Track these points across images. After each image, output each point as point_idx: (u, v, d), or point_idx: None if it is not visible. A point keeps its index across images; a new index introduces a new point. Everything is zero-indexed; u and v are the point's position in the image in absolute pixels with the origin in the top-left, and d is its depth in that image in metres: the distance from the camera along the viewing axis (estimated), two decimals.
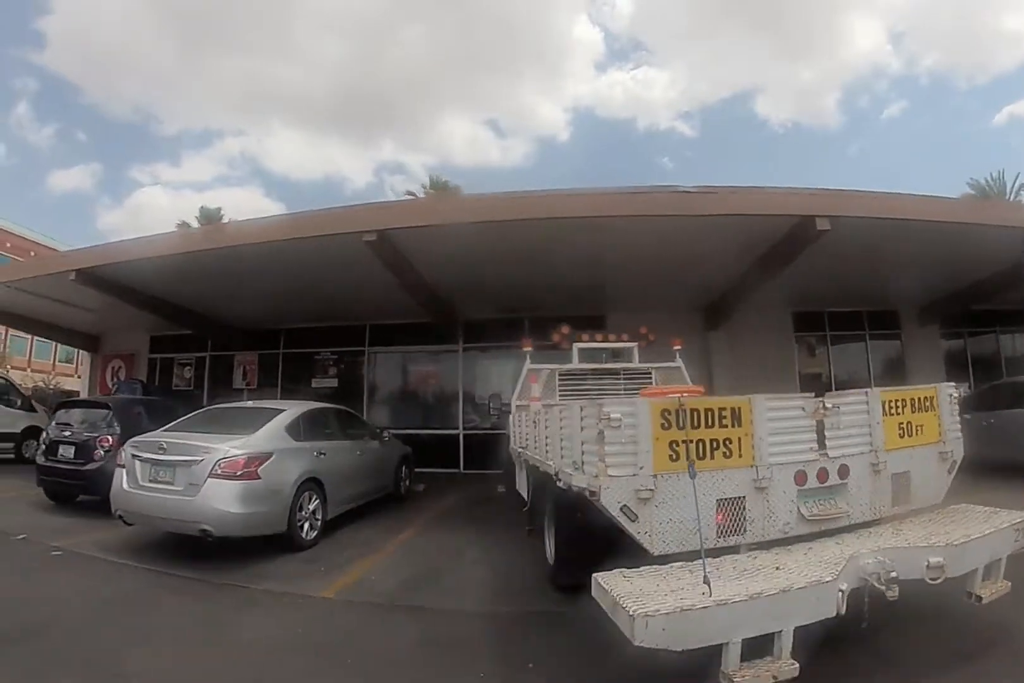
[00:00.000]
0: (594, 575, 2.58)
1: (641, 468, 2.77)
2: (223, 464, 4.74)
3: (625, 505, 2.78)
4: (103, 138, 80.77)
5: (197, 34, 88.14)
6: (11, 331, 28.06)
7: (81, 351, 15.76)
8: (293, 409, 5.87)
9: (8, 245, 29.36)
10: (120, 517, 5.14)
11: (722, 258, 8.99)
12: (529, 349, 7.08)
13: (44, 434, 7.20)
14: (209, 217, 28.39)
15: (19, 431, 11.13)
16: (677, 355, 7.23)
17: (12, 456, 11.04)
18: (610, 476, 2.77)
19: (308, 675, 3.01)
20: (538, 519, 4.89)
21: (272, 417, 5.54)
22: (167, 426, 5.66)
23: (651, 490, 2.78)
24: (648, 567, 2.69)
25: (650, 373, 7.13)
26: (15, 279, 10.30)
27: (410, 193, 25.82)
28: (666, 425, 2.80)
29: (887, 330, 12.42)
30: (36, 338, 29.24)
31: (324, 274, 8.86)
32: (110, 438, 6.46)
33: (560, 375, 6.89)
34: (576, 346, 7.07)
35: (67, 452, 6.60)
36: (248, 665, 3.08)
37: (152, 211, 66.19)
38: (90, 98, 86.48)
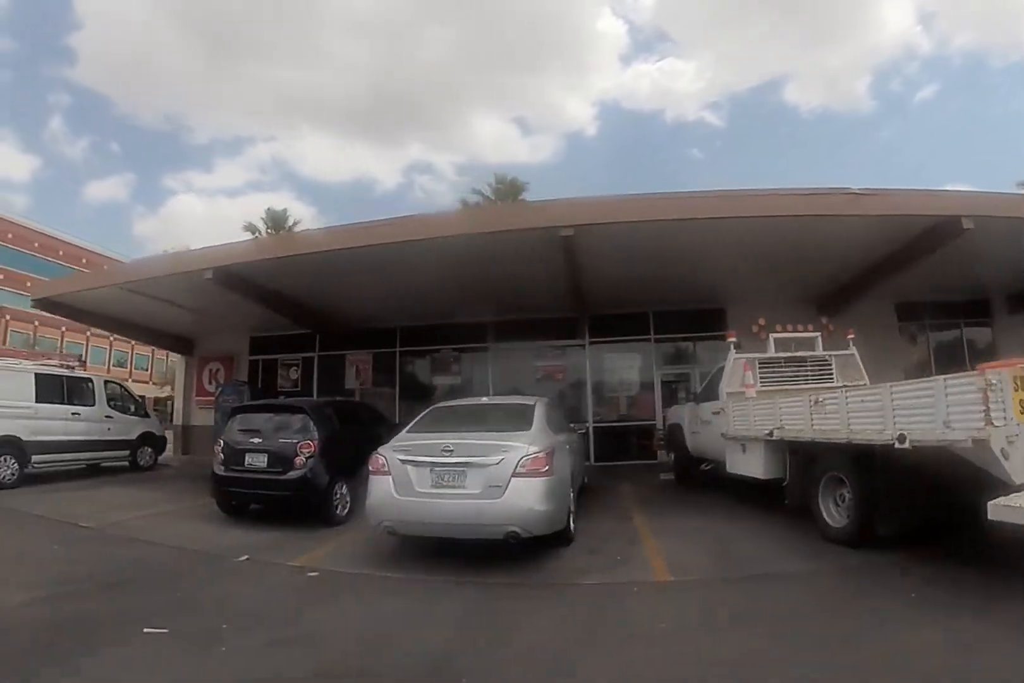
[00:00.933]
0: (995, 501, 3.30)
1: (1007, 419, 3.46)
2: (526, 462, 4.44)
3: (1002, 448, 3.43)
4: (136, 148, 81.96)
5: (224, 42, 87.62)
6: (67, 336, 28.01)
7: (173, 355, 15.64)
8: (538, 403, 5.64)
9: (60, 253, 29.10)
10: (387, 528, 4.70)
11: (846, 253, 9.15)
12: (734, 340, 7.26)
13: (220, 443, 6.33)
14: (275, 219, 28.28)
15: (135, 438, 10.85)
16: (851, 343, 7.37)
17: (127, 464, 10.78)
18: (994, 426, 3.42)
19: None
20: (807, 491, 5.22)
21: (530, 412, 5.35)
22: (410, 428, 5.33)
23: (1016, 435, 3.45)
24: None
25: (829, 361, 7.26)
26: (141, 278, 10.00)
27: (476, 192, 26.11)
28: (1017, 387, 3.49)
29: (980, 318, 12.58)
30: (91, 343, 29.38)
31: (493, 269, 8.74)
32: (311, 444, 5.98)
33: (760, 363, 7.02)
34: (772, 336, 7.32)
35: (257, 461, 6.00)
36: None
37: (186, 218, 67.38)
38: (122, 109, 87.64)
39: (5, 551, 5.13)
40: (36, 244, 28.46)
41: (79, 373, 10.47)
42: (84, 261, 28.60)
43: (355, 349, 12.50)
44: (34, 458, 8.85)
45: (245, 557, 4.89)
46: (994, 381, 3.51)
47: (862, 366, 7.21)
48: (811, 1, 75.09)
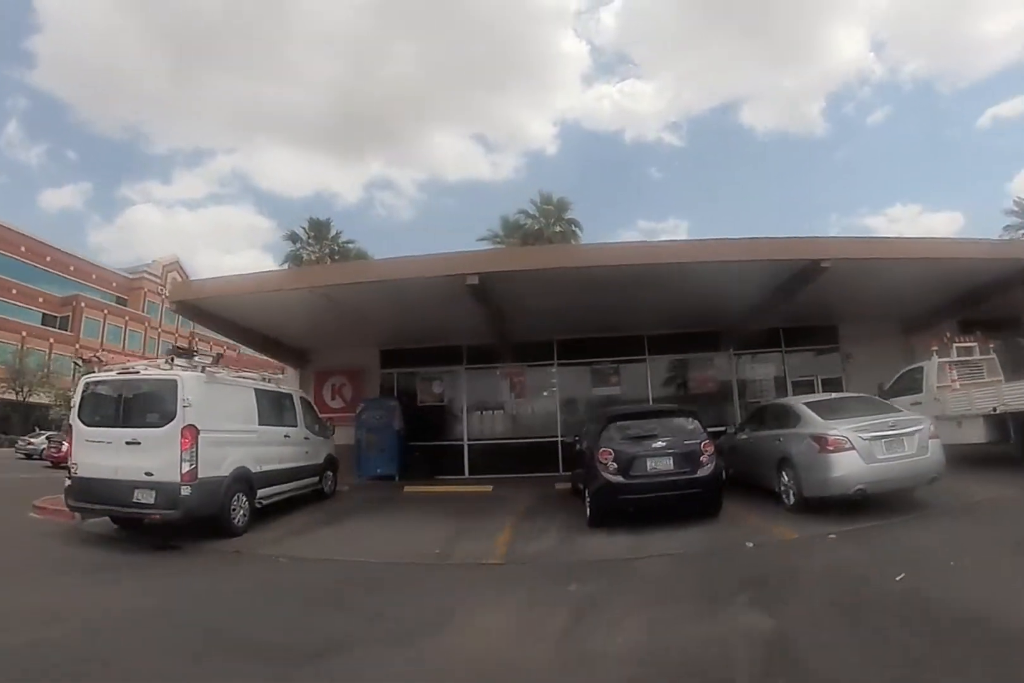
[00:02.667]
0: None
1: None
2: (931, 429, 6.25)
3: None
4: (93, 157, 73.43)
5: (189, 54, 79.46)
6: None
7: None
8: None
9: (48, 259, 25.15)
10: (860, 491, 5.88)
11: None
12: (936, 348, 9.23)
13: (608, 452, 6.26)
14: (318, 227, 26.86)
15: (323, 461, 9.28)
16: (991, 349, 9.42)
17: (310, 492, 8.85)
18: None
19: None
20: None
21: (875, 401, 7.55)
22: (825, 417, 6.52)
23: None
24: None
25: (982, 363, 9.30)
26: (389, 278, 9.00)
27: (522, 212, 27.19)
28: None
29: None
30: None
31: (686, 289, 9.57)
32: (711, 443, 6.48)
33: (950, 364, 9.18)
34: (955, 345, 9.45)
35: (661, 464, 6.23)
36: None
37: (144, 228, 61.78)
38: (80, 116, 77.86)
39: None
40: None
41: (282, 387, 9.26)
42: (72, 268, 24.97)
43: (504, 362, 12.59)
44: (259, 493, 7.13)
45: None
46: None
47: (999, 367, 9.31)
48: (769, 26, 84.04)
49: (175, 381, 6.22)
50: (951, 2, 75.47)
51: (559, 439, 12.17)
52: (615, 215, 79.25)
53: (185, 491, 5.92)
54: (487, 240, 28.56)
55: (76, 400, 6.65)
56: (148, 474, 5.94)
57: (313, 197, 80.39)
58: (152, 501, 5.91)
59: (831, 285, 9.41)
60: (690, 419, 6.85)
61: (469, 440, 12.77)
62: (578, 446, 8.16)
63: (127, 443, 6.09)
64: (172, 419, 6.10)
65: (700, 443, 6.45)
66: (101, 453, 6.18)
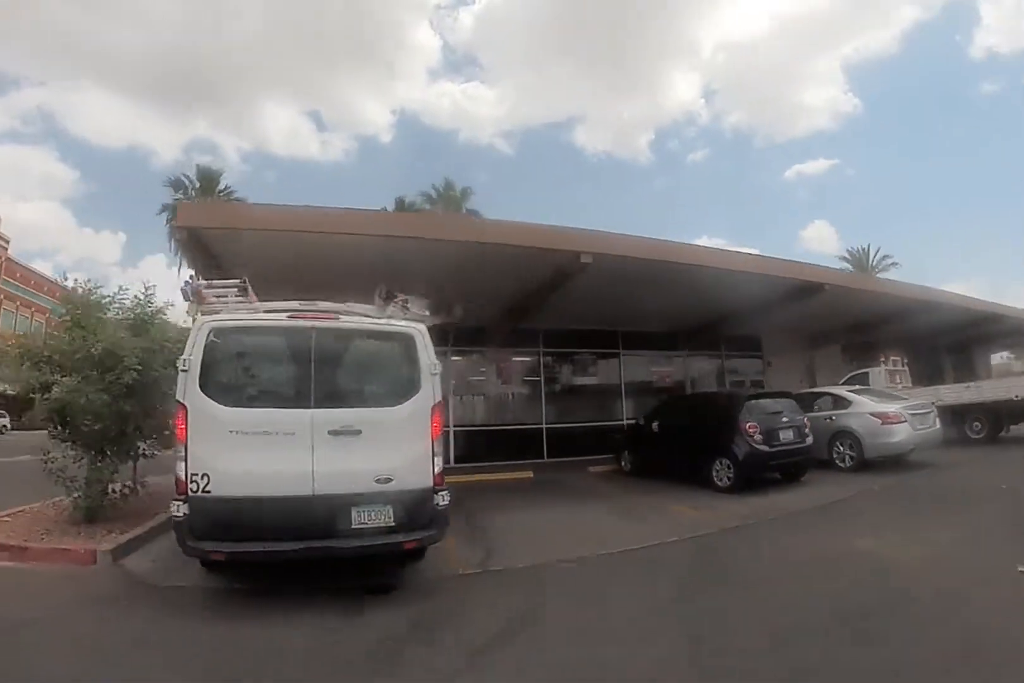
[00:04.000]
0: None
1: None
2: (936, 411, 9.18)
3: None
4: None
5: None
6: None
7: None
8: None
9: None
10: (911, 450, 8.30)
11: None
12: (883, 359, 11.93)
13: (753, 425, 7.13)
14: (208, 177, 22.28)
15: None
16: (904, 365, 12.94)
17: None
18: None
19: None
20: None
21: (886, 391, 10.13)
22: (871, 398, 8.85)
23: None
24: None
25: (899, 373, 12.77)
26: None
27: (424, 195, 24.47)
28: None
29: None
30: None
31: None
32: (806, 419, 7.88)
33: (889, 371, 12.10)
34: (890, 360, 12.29)
35: (786, 436, 7.41)
36: None
37: None
38: None
39: None
40: None
41: None
42: None
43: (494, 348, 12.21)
44: None
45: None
46: None
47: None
48: (616, 57, 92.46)
49: (412, 336, 4.08)
50: (780, 70, 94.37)
51: (543, 426, 12.42)
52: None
53: (442, 501, 3.91)
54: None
55: (193, 361, 3.68)
56: (381, 480, 3.75)
57: (126, 151, 65.45)
58: (391, 522, 3.70)
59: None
60: (791, 400, 8.18)
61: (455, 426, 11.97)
62: (649, 428, 8.82)
63: (331, 433, 3.72)
64: (414, 393, 3.99)
65: (803, 418, 7.89)
66: (266, 453, 3.64)
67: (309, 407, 3.72)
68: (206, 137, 71.62)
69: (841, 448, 8.41)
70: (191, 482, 3.50)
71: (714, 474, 7.32)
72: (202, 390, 3.60)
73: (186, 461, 3.53)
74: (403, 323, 4.17)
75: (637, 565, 4.47)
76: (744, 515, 5.92)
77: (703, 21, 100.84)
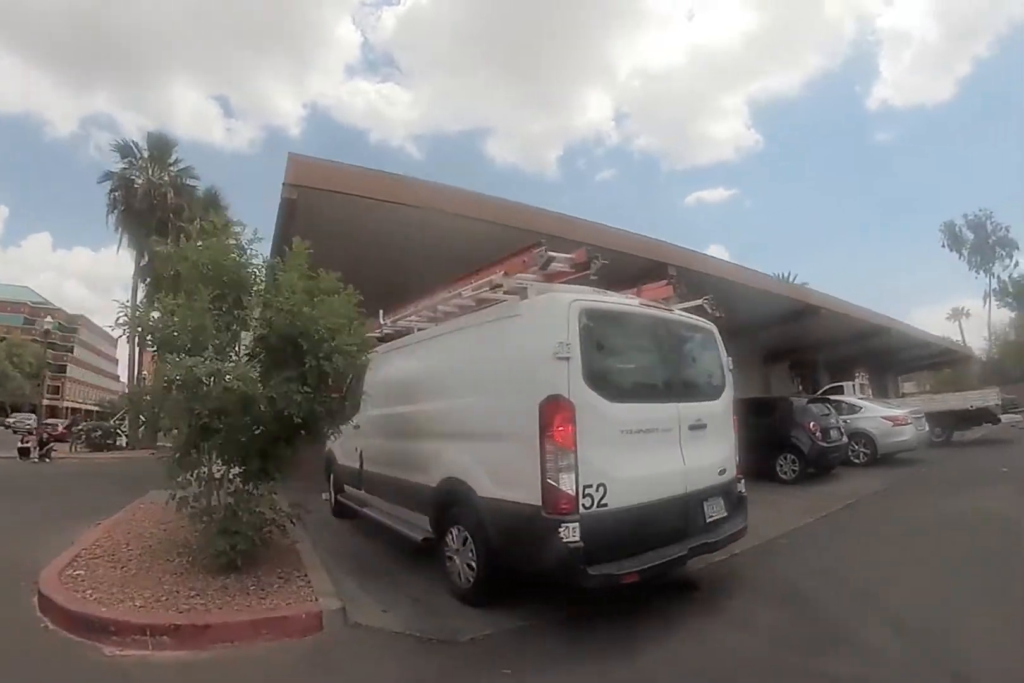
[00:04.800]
0: None
1: None
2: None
3: None
4: None
5: None
6: None
7: None
8: None
9: None
10: (913, 448, 9.92)
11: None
12: (858, 373, 13.49)
13: (812, 424, 8.00)
14: (160, 146, 20.02)
15: None
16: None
17: None
18: None
19: None
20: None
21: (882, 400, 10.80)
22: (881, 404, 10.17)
23: None
24: None
25: (865, 387, 14.69)
26: None
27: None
28: None
29: None
30: None
31: None
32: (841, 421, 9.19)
33: (861, 385, 13.69)
34: (860, 374, 14.08)
35: (837, 433, 8.59)
36: None
37: None
38: None
39: None
40: None
41: None
42: None
43: None
44: None
45: None
46: None
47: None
48: (533, 70, 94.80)
49: (713, 331, 4.08)
50: (690, 101, 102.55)
51: None
52: None
53: (743, 488, 3.97)
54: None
55: (572, 347, 3.00)
56: (721, 472, 3.71)
57: (20, 117, 56.55)
58: (724, 512, 3.65)
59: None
60: (830, 405, 9.54)
61: None
62: None
63: (690, 428, 3.47)
64: (724, 386, 4.00)
65: (839, 420, 9.12)
66: (650, 453, 3.26)
67: (674, 401, 3.44)
68: (105, 112, 63.87)
69: (856, 446, 9.61)
70: (584, 496, 2.86)
71: (779, 468, 8.08)
72: (585, 382, 2.99)
73: (577, 470, 2.85)
74: (701, 319, 4.07)
75: (822, 539, 4.97)
76: (833, 498, 6.64)
77: (622, 46, 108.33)
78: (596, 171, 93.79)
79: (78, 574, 3.68)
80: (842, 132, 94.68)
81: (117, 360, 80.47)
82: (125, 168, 18.71)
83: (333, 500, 6.00)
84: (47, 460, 14.11)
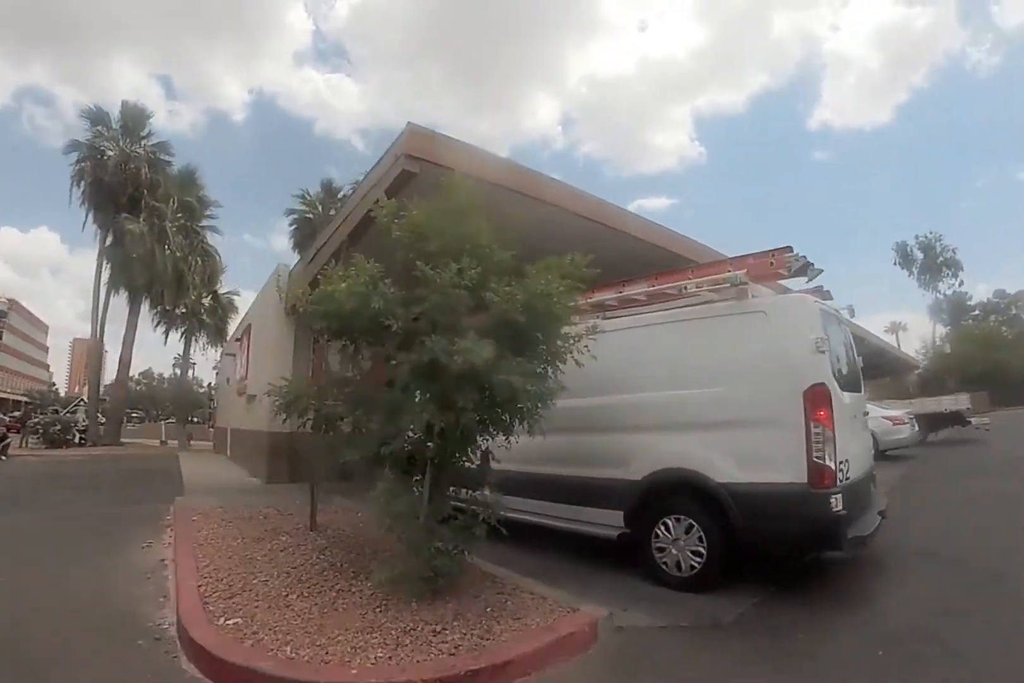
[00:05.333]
0: None
1: None
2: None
3: None
4: None
5: None
6: None
7: None
8: None
9: None
10: (910, 445, 10.63)
11: None
12: None
13: None
14: (134, 116, 18.55)
15: None
16: None
17: None
18: None
19: None
20: None
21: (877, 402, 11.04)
22: (883, 406, 10.55)
23: None
24: None
25: None
26: None
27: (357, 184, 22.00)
28: None
29: None
30: None
31: None
32: None
33: None
34: None
35: None
36: None
37: None
38: None
39: None
40: None
41: None
42: None
43: None
44: None
45: None
46: None
47: None
48: (484, 70, 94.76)
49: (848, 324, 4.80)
50: (637, 110, 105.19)
51: None
52: (278, 198, 75.15)
53: None
54: (302, 200, 23.81)
55: (823, 343, 3.30)
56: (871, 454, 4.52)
57: None
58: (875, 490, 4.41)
59: None
60: None
61: None
62: None
63: (857, 416, 3.99)
64: (860, 380, 4.50)
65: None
66: (854, 436, 3.71)
67: (850, 391, 3.77)
68: (42, 86, 58.95)
69: None
70: (839, 470, 3.21)
71: None
72: (832, 373, 3.39)
73: (835, 448, 3.16)
74: None
75: (903, 509, 5.29)
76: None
77: (574, 53, 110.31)
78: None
79: (234, 623, 2.75)
80: (783, 149, 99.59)
81: (48, 348, 74.41)
82: (95, 138, 17.19)
83: None
84: (3, 458, 12.73)
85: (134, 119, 17.56)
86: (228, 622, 2.77)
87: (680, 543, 3.48)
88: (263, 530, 4.72)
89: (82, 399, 19.68)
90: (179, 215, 17.49)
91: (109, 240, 17.72)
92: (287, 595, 3.15)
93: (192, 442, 20.85)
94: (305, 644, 2.51)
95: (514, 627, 2.75)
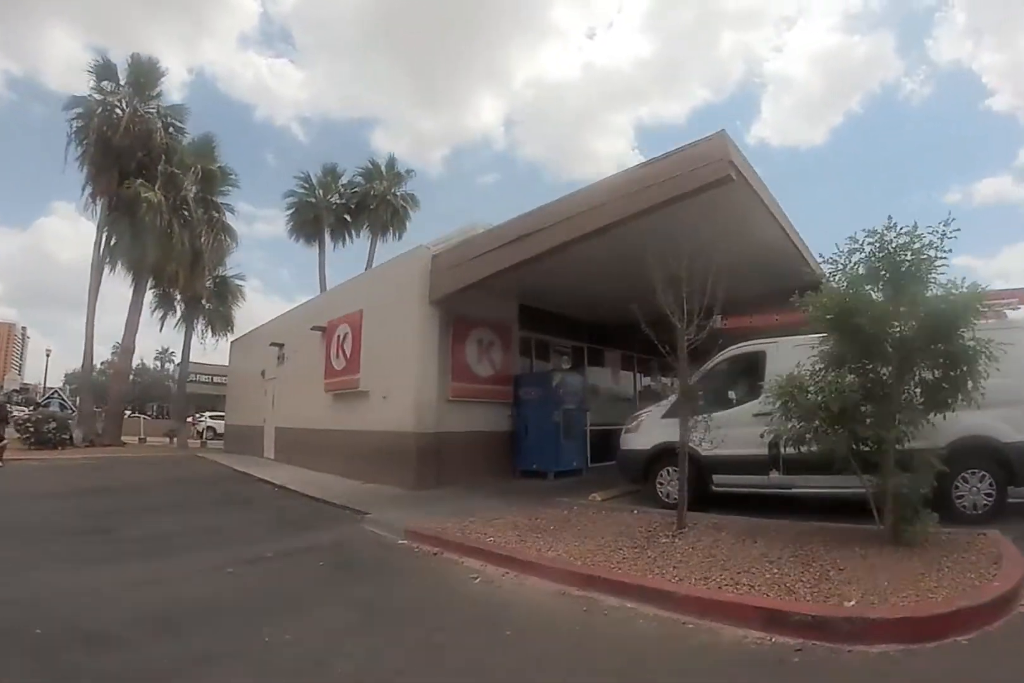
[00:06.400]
0: None
1: None
2: None
3: None
4: None
5: None
6: None
7: None
8: None
9: None
10: None
11: None
12: None
13: None
14: (145, 70, 16.40)
15: None
16: None
17: None
18: None
19: None
20: None
21: None
22: None
23: None
24: None
25: None
26: None
27: (361, 170, 20.43)
28: None
29: None
30: None
31: None
32: None
33: None
34: None
35: None
36: None
37: None
38: None
39: None
40: None
41: None
42: None
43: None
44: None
45: None
46: None
47: None
48: (430, 66, 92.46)
49: None
50: (580, 116, 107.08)
51: None
52: None
53: None
54: (303, 184, 22.36)
55: None
56: None
57: None
58: None
59: None
60: None
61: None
62: None
63: None
64: None
65: None
66: None
67: None
68: None
69: None
70: None
71: None
72: None
73: None
74: None
75: None
76: None
77: (522, 56, 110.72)
78: (478, 174, 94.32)
79: None
80: None
81: None
82: (100, 94, 14.72)
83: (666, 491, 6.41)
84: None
85: (146, 75, 15.33)
86: None
87: (975, 490, 4.85)
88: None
89: (56, 391, 16.93)
90: (195, 187, 15.53)
91: (107, 210, 15.38)
92: None
93: (174, 440, 18.83)
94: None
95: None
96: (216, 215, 16.09)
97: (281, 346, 13.05)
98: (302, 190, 21.85)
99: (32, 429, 12.80)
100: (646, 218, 5.88)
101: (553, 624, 2.99)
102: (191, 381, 21.93)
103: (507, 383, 9.56)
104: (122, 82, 15.32)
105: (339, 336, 10.16)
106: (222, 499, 7.68)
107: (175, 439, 18.75)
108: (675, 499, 5.69)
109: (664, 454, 6.22)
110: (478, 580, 3.85)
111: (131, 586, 3.56)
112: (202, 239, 15.04)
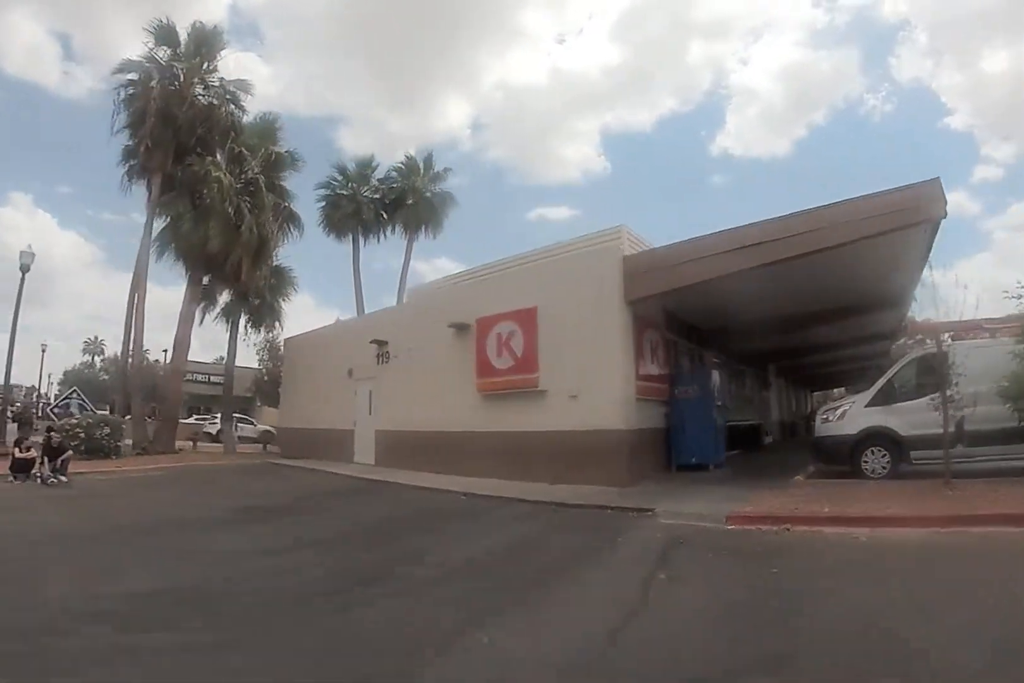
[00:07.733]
0: None
1: None
2: None
3: None
4: None
5: None
6: None
7: None
8: None
9: None
10: None
11: None
12: None
13: None
14: (206, 37, 14.91)
15: None
16: None
17: None
18: None
19: None
20: None
21: None
22: None
23: None
24: None
25: None
26: None
27: (395, 168, 18.67)
28: None
29: None
30: None
31: None
32: None
33: None
34: None
35: None
36: None
37: None
38: None
39: None
40: None
41: None
42: None
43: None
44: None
45: None
46: None
47: None
48: (398, 67, 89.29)
49: None
50: (547, 120, 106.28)
51: None
52: None
53: None
54: (339, 176, 21.27)
55: None
56: None
57: None
58: None
59: None
60: None
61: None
62: None
63: None
64: None
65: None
66: None
67: None
68: None
69: None
70: None
71: None
72: None
73: None
74: None
75: None
76: None
77: (490, 58, 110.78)
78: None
79: None
80: (684, 170, 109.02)
81: None
82: (155, 61, 12.92)
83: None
84: (62, 479, 8.61)
85: (208, 46, 13.74)
86: None
87: None
88: None
89: (75, 390, 14.63)
90: (258, 170, 14.11)
91: (156, 190, 13.60)
92: None
93: (197, 444, 17.02)
94: None
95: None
96: (281, 202, 14.73)
97: (383, 344, 12.19)
98: (336, 182, 20.53)
99: (83, 435, 11.00)
100: (850, 246, 6.65)
101: (965, 551, 4.09)
102: (187, 380, 20.01)
103: (666, 382, 9.63)
104: (182, 51, 13.63)
105: (500, 334, 9.71)
106: (436, 515, 6.64)
107: (196, 443, 16.96)
108: (878, 474, 7.30)
109: (869, 437, 7.49)
110: (862, 539, 4.51)
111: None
112: (267, 227, 13.70)
